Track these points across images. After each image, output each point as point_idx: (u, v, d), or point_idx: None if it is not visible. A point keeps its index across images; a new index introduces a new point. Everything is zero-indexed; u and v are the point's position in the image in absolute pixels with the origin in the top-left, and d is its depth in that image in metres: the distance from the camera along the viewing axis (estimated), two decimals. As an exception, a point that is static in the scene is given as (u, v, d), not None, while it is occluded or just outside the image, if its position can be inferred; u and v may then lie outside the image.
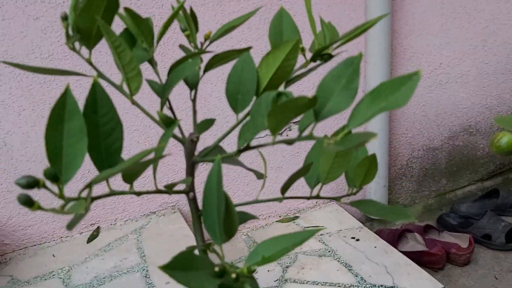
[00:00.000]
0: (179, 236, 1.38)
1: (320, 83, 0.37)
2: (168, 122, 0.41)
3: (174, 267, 0.28)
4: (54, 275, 1.26)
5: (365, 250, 1.48)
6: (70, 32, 0.43)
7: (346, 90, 0.36)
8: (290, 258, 1.46)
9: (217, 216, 0.34)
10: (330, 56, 0.46)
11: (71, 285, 1.21)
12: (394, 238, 1.67)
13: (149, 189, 1.48)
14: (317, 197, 0.44)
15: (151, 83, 0.46)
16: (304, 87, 1.58)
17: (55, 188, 1.36)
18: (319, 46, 0.48)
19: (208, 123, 0.50)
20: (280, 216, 1.66)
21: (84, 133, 0.34)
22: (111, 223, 1.45)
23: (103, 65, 1.31)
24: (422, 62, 1.74)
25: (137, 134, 1.41)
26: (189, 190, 0.44)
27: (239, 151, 0.39)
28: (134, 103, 0.43)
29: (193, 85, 0.49)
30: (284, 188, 0.43)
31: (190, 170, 0.44)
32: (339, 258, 1.44)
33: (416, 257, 1.59)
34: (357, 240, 1.54)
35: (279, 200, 0.44)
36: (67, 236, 1.42)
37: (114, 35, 0.39)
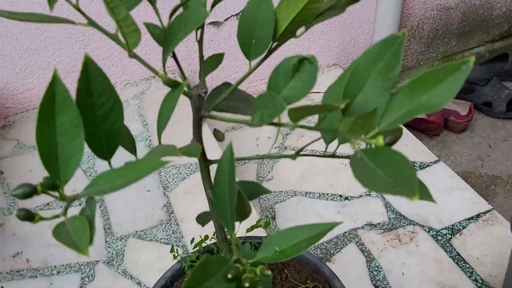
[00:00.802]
0: (181, 105, 1.37)
1: (354, 67, 0.32)
2: (174, 85, 0.37)
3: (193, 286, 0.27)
4: (59, 141, 1.28)
5: (366, 119, 1.50)
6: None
7: (382, 80, 0.31)
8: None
9: (230, 210, 0.32)
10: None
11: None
12: (395, 103, 1.67)
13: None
14: (333, 156, 0.42)
15: (150, 27, 0.40)
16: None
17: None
18: None
19: (216, 60, 0.45)
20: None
21: (80, 126, 0.30)
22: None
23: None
24: None
25: None
26: (197, 142, 0.42)
27: (254, 125, 0.35)
28: (132, 56, 0.38)
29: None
30: (300, 150, 0.41)
31: (197, 126, 0.41)
32: (339, 127, 1.46)
33: (414, 123, 1.62)
34: (359, 107, 1.54)
35: (292, 157, 0.42)
36: (68, 100, 1.40)
37: (106, -7, 0.33)
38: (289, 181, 1.30)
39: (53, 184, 0.29)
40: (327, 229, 0.33)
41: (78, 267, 0.95)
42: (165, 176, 1.15)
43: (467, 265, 1.06)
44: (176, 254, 0.66)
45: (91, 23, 0.37)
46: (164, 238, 1.00)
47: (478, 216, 1.17)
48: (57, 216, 0.30)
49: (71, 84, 1.38)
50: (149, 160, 0.28)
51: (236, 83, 0.41)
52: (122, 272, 0.95)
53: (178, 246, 0.98)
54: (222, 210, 0.33)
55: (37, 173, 1.19)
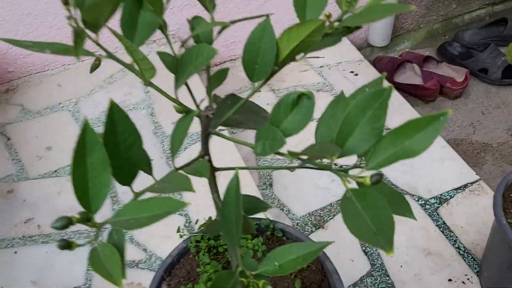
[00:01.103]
0: (182, 71, 1.39)
1: (346, 113, 0.35)
2: (186, 113, 0.40)
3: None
4: (63, 107, 1.31)
5: (363, 86, 1.52)
6: (73, 13, 0.39)
7: (370, 128, 0.35)
8: (288, 91, 1.50)
9: (235, 230, 0.37)
10: (357, 27, 0.43)
11: (80, 119, 1.27)
12: (393, 67, 1.69)
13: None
14: (329, 169, 0.46)
15: (162, 56, 0.42)
16: None
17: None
18: (346, 8, 0.44)
19: (221, 75, 0.48)
20: (281, 44, 1.64)
21: (107, 163, 0.34)
22: (112, 52, 1.44)
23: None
24: None
25: None
26: (204, 154, 0.46)
27: (258, 154, 0.39)
28: (148, 84, 0.41)
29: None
30: (298, 167, 0.45)
31: (205, 141, 0.45)
32: (336, 94, 1.48)
33: (411, 89, 1.65)
34: (356, 74, 1.56)
35: (291, 169, 0.46)
36: (69, 64, 1.42)
37: (128, 41, 0.36)
38: (287, 146, 1.34)
39: (87, 218, 0.33)
40: (321, 247, 0.38)
41: (88, 234, 1.01)
42: (167, 146, 1.19)
43: (452, 234, 1.13)
44: (182, 234, 0.71)
45: (110, 56, 0.40)
46: (167, 207, 1.06)
47: (465, 186, 1.23)
48: (90, 242, 0.35)
49: (72, 49, 1.39)
50: (171, 201, 0.32)
51: (243, 101, 0.45)
52: (129, 239, 1.01)
53: (181, 215, 1.04)
54: (229, 230, 0.38)
55: (44, 139, 1.23)
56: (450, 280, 1.05)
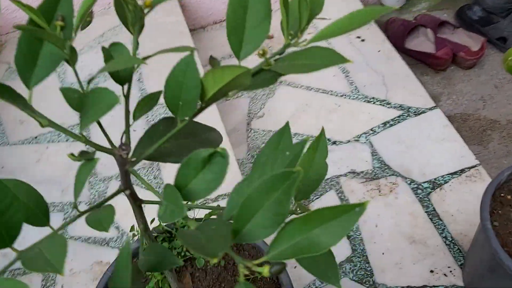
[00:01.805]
0: (175, 33, 1.32)
1: (248, 193, 0.30)
2: (87, 160, 0.36)
3: None
4: (49, 67, 1.27)
5: (368, 54, 1.43)
6: None
7: (272, 214, 0.30)
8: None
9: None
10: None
11: (66, 81, 1.24)
12: (405, 32, 1.59)
13: None
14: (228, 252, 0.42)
15: (66, 93, 0.37)
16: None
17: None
18: (288, 41, 0.38)
19: (151, 101, 0.43)
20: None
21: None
22: (104, 8, 1.37)
23: None
24: None
25: None
26: (125, 188, 0.42)
27: (160, 217, 0.35)
28: (45, 126, 0.37)
29: (125, 79, 0.40)
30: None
31: (124, 176, 0.41)
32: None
33: (422, 57, 1.55)
34: (363, 40, 1.47)
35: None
36: (60, 19, 1.36)
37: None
38: (279, 119, 1.29)
39: None
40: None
41: (61, 207, 1.00)
42: (151, 116, 1.16)
43: (441, 222, 1.09)
44: (136, 233, 0.69)
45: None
46: (145, 182, 1.04)
47: (462, 171, 1.17)
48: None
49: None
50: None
51: (161, 141, 0.40)
52: (104, 214, 1.00)
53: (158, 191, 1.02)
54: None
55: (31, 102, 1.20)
56: (431, 271, 1.02)
